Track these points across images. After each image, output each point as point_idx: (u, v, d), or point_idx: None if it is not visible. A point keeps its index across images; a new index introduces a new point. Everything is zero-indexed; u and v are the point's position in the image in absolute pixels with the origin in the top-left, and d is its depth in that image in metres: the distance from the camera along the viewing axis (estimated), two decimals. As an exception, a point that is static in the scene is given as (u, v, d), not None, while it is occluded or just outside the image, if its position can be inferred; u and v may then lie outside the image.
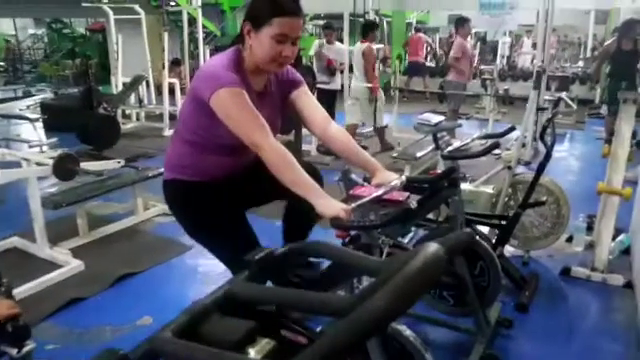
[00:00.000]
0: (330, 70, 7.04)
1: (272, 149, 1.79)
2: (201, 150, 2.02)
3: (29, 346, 1.53)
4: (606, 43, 7.94)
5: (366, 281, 1.75)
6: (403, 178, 1.86)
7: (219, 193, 2.06)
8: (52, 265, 3.52)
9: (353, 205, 1.69)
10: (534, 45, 10.96)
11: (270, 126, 1.88)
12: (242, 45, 1.94)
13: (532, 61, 11.79)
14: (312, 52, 7.13)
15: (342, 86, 7.29)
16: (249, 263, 1.01)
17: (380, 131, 6.91)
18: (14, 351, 1.50)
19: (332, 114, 6.42)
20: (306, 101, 2.13)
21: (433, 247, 0.71)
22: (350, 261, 1.01)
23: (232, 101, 1.79)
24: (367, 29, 6.63)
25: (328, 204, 1.71)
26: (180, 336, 0.83)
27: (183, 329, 0.84)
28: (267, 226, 2.60)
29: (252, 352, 0.85)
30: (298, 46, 1.94)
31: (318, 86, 6.50)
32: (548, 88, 7.31)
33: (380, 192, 1.78)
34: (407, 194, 1.86)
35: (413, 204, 1.80)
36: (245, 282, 0.99)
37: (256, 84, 2.00)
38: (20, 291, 3.00)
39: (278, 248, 1.08)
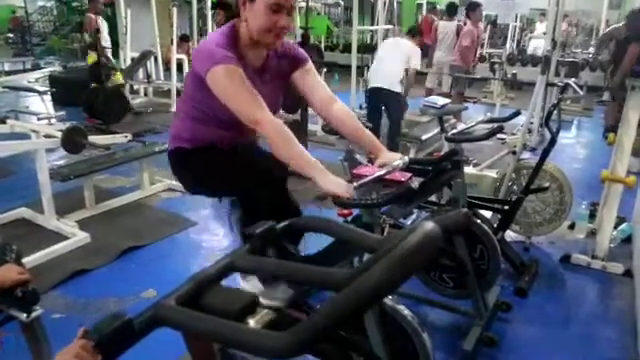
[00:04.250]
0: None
1: (270, 125, 1.77)
2: (203, 124, 2.03)
3: (37, 311, 1.57)
4: (614, 25, 7.84)
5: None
6: (406, 159, 1.87)
7: (219, 151, 2.08)
8: (59, 236, 3.58)
9: (355, 184, 1.70)
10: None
11: (270, 104, 1.88)
12: (238, 20, 1.92)
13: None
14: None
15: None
16: (251, 236, 1.04)
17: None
18: (23, 316, 1.55)
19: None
20: (309, 79, 2.11)
21: (430, 225, 0.73)
22: (350, 237, 1.03)
23: (227, 78, 1.79)
24: (451, 10, 7.81)
25: (330, 179, 1.71)
26: (183, 304, 0.86)
27: (186, 297, 0.87)
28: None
29: (252, 322, 0.88)
30: (293, 17, 1.93)
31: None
32: (557, 74, 7.26)
33: (383, 172, 1.80)
34: (409, 175, 1.88)
35: (414, 184, 1.82)
36: (247, 254, 1.02)
37: (254, 59, 1.99)
38: (27, 261, 3.05)
39: (280, 222, 1.10)
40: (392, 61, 5.42)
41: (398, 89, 5.36)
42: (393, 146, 5.16)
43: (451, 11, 7.82)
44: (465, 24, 7.48)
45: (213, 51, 1.82)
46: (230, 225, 2.35)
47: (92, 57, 7.02)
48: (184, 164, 2.15)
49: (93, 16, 6.87)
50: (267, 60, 2.03)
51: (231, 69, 1.78)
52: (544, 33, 7.77)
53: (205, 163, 2.08)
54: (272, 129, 1.77)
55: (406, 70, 5.45)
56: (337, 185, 1.69)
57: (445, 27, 7.63)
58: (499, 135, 4.15)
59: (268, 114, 1.79)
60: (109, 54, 7.20)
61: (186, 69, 8.58)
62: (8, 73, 11.15)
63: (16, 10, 19.86)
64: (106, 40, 7.03)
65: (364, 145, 2.07)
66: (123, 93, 7.37)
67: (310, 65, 2.11)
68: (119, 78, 7.39)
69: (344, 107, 2.12)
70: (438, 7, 12.64)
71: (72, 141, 3.76)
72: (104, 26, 7.04)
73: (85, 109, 7.00)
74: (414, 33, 5.80)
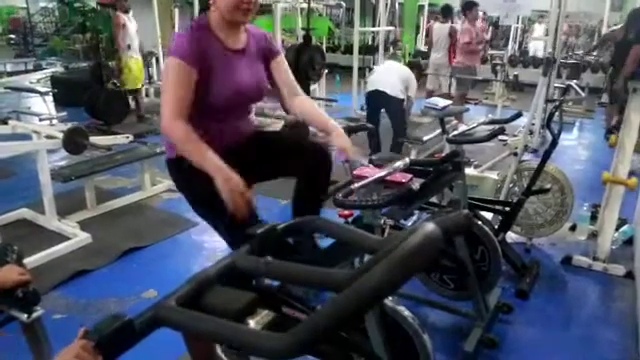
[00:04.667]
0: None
1: (181, 129, 1.84)
2: (194, 121, 1.98)
3: (38, 312, 1.57)
4: (613, 27, 7.83)
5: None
6: (407, 160, 1.88)
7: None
8: (60, 237, 3.58)
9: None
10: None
11: (251, 87, 1.98)
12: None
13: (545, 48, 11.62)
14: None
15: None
16: (251, 237, 1.04)
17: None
18: (24, 316, 1.55)
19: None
20: (281, 71, 2.20)
21: (430, 226, 0.73)
22: (350, 238, 1.03)
23: (173, 71, 1.88)
24: (445, 12, 7.76)
25: (224, 184, 1.73)
26: (183, 305, 0.86)
27: (186, 298, 0.87)
28: (271, 204, 2.61)
29: (252, 322, 0.88)
30: None
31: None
32: (559, 75, 7.25)
33: (384, 173, 1.80)
34: (410, 176, 1.88)
35: (415, 186, 1.82)
36: (247, 255, 1.01)
37: (231, 41, 2.03)
38: (28, 262, 3.05)
39: (280, 223, 1.10)
40: (391, 77, 5.40)
41: (399, 96, 5.34)
42: (397, 148, 5.18)
43: (446, 13, 7.84)
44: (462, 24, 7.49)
45: (176, 42, 1.94)
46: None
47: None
48: (185, 177, 2.11)
49: (122, 15, 6.92)
50: (248, 44, 2.10)
51: (181, 65, 1.86)
52: (546, 35, 7.76)
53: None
54: (183, 133, 1.84)
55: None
56: (228, 193, 1.72)
57: (440, 29, 7.66)
58: (500, 137, 4.15)
59: (182, 121, 1.86)
60: (137, 55, 7.22)
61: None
62: (10, 74, 11.15)
63: (17, 11, 19.86)
64: (131, 39, 7.07)
65: (320, 127, 2.14)
66: (124, 94, 7.35)
67: (281, 58, 2.22)
68: (138, 81, 7.39)
69: (308, 98, 2.25)
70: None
71: (73, 142, 3.76)
72: (132, 24, 7.09)
73: (87, 110, 7.01)
74: (413, 66, 5.86)
